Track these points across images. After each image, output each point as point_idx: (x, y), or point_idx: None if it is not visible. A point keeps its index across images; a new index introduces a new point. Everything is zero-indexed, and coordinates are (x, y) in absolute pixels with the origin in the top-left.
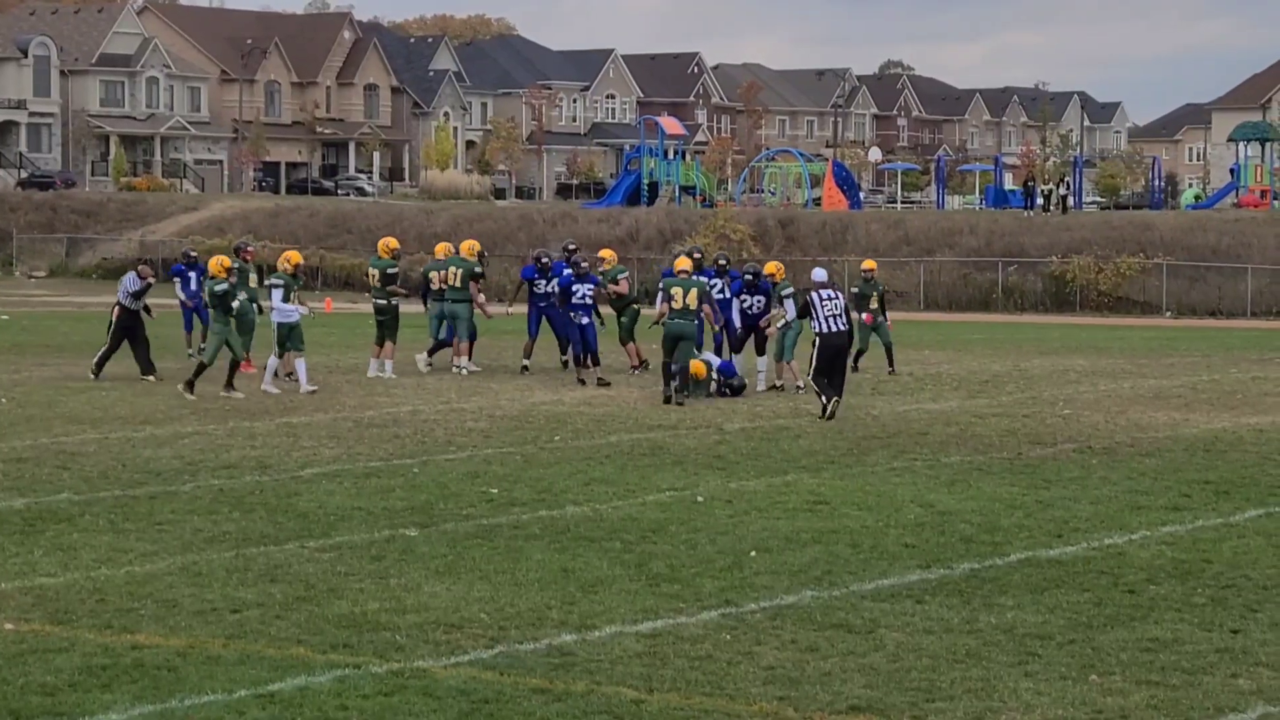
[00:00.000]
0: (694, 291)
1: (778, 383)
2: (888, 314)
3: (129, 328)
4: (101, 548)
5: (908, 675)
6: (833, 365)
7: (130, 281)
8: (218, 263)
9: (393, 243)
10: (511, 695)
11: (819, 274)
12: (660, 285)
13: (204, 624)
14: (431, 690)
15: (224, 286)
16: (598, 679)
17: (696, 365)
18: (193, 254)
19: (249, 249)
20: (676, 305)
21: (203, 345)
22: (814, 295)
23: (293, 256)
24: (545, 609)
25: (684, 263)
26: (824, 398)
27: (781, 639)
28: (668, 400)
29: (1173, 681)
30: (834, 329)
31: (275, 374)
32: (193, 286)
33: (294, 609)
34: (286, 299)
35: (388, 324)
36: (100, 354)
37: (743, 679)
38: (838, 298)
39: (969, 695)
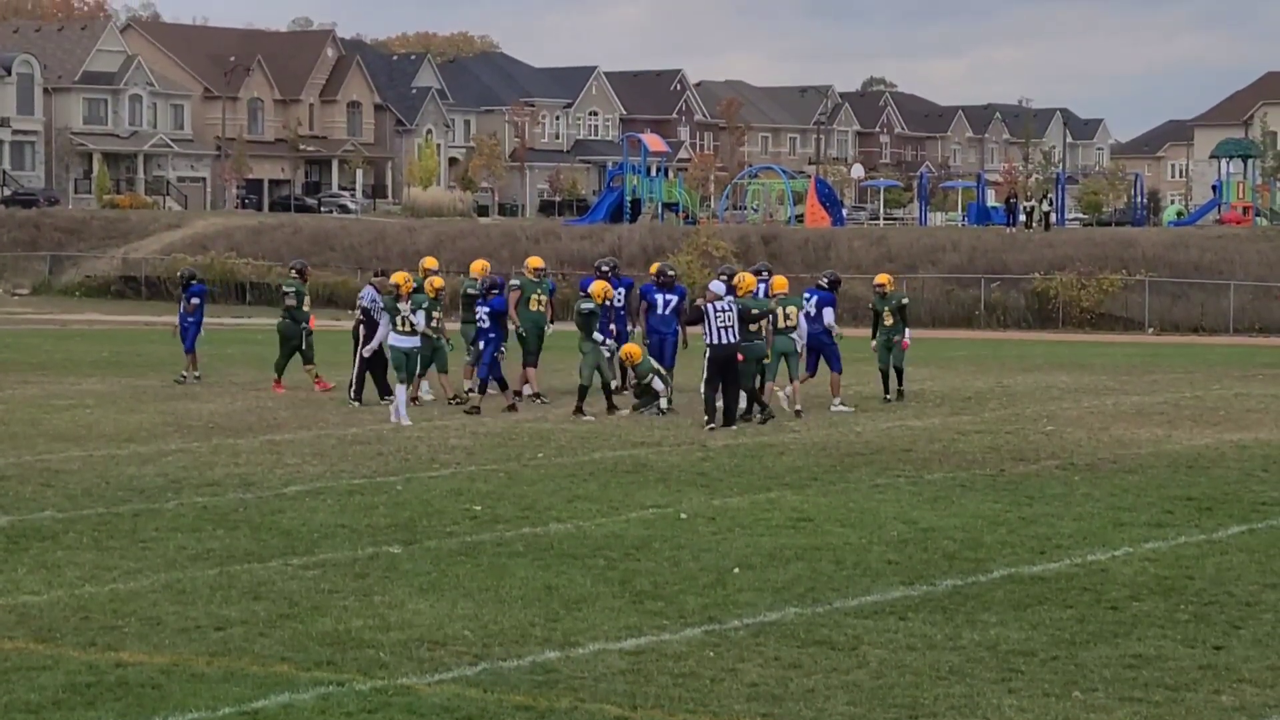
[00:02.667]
0: (753, 314)
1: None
2: (907, 332)
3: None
4: (85, 565)
5: (891, 692)
6: (724, 376)
7: (367, 297)
8: (403, 280)
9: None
10: (495, 712)
11: (717, 285)
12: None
13: (188, 641)
14: (415, 708)
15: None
16: (581, 696)
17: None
18: (187, 274)
19: (307, 268)
20: (753, 328)
21: (197, 373)
22: (708, 306)
23: (436, 281)
24: (529, 626)
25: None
26: (708, 411)
27: (765, 656)
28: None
29: (1155, 698)
30: (725, 340)
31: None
32: (182, 309)
33: (278, 626)
34: (429, 321)
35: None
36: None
37: (726, 696)
38: (731, 310)
39: (952, 712)
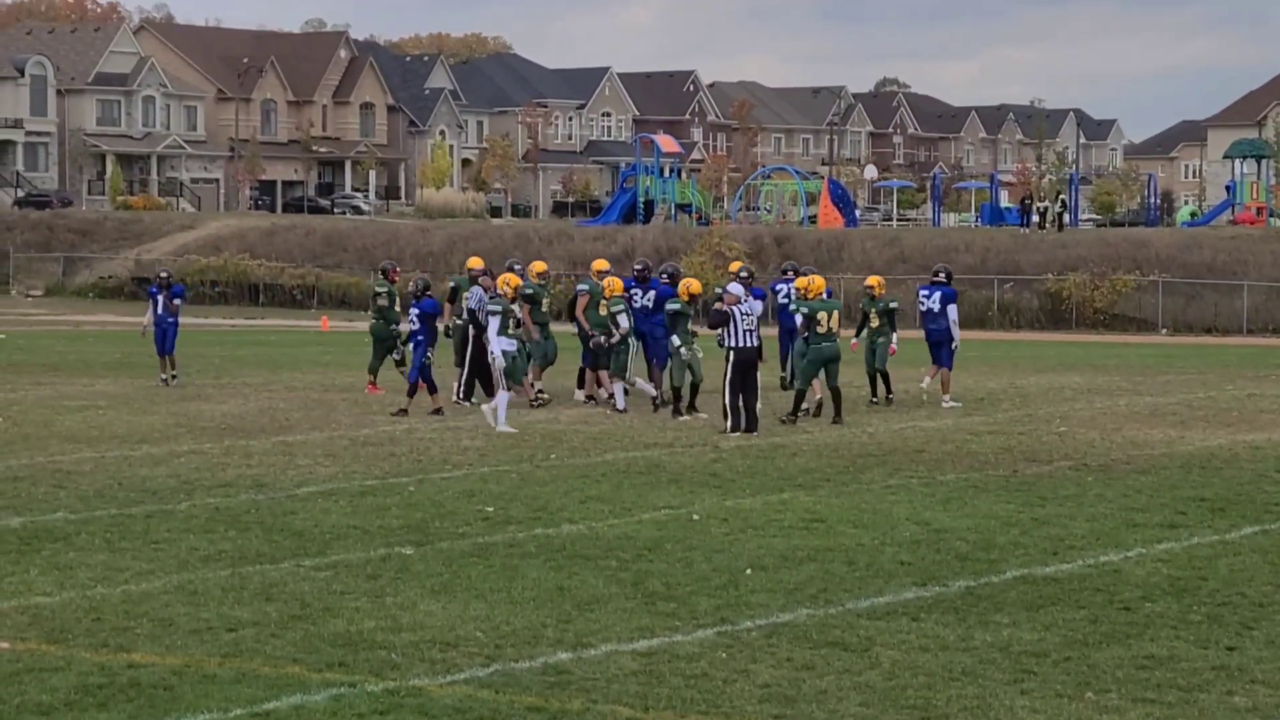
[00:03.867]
0: (835, 314)
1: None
2: (894, 336)
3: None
4: (97, 566)
5: (904, 693)
6: (745, 381)
7: (474, 298)
8: (504, 282)
9: (539, 265)
10: (507, 714)
11: (735, 288)
12: (804, 310)
13: (200, 643)
14: (427, 709)
15: (501, 305)
16: (593, 697)
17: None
18: (164, 275)
19: (395, 269)
20: (821, 329)
21: (175, 374)
22: (734, 309)
23: (512, 279)
24: (541, 627)
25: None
26: (730, 419)
27: (777, 657)
28: (790, 420)
29: (1168, 699)
30: (749, 343)
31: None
32: (159, 309)
33: (290, 628)
34: (504, 329)
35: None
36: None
37: (738, 697)
38: (753, 312)
39: (965, 713)
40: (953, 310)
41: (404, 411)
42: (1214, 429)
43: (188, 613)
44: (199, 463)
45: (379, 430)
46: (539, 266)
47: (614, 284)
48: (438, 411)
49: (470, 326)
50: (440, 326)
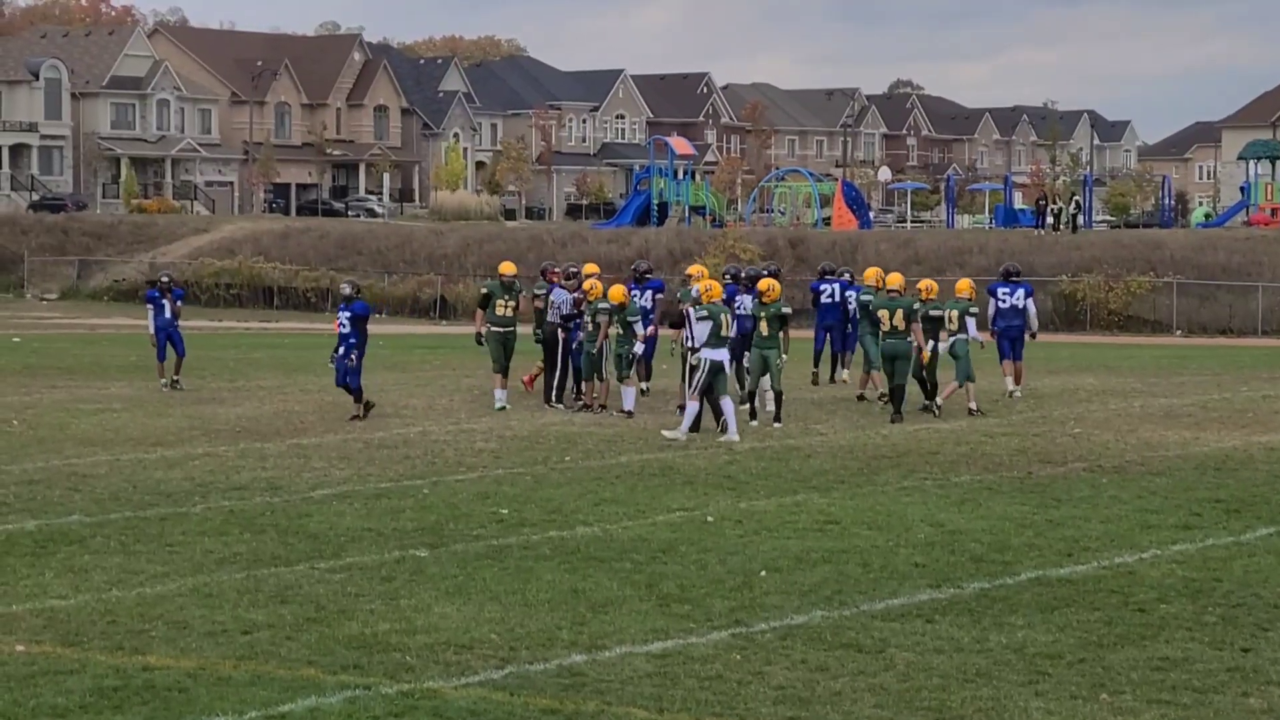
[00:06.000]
0: (899, 312)
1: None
2: (915, 336)
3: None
4: (112, 569)
5: (918, 695)
6: (716, 381)
7: (562, 301)
8: (592, 285)
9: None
10: (522, 716)
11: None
12: (870, 305)
13: (215, 645)
14: (442, 711)
15: (606, 305)
16: (608, 699)
17: None
18: (166, 280)
19: (554, 269)
20: (885, 326)
21: (176, 378)
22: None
23: (615, 291)
24: (555, 629)
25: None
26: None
27: (792, 659)
28: (895, 420)
29: (1183, 700)
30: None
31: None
32: (167, 314)
33: (304, 630)
34: (714, 338)
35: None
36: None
37: (753, 699)
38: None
39: (979, 715)
40: (1031, 303)
41: (358, 417)
42: (1229, 430)
43: (203, 615)
44: (213, 465)
45: (393, 433)
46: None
47: (595, 285)
48: (356, 418)
49: (559, 330)
50: (477, 332)
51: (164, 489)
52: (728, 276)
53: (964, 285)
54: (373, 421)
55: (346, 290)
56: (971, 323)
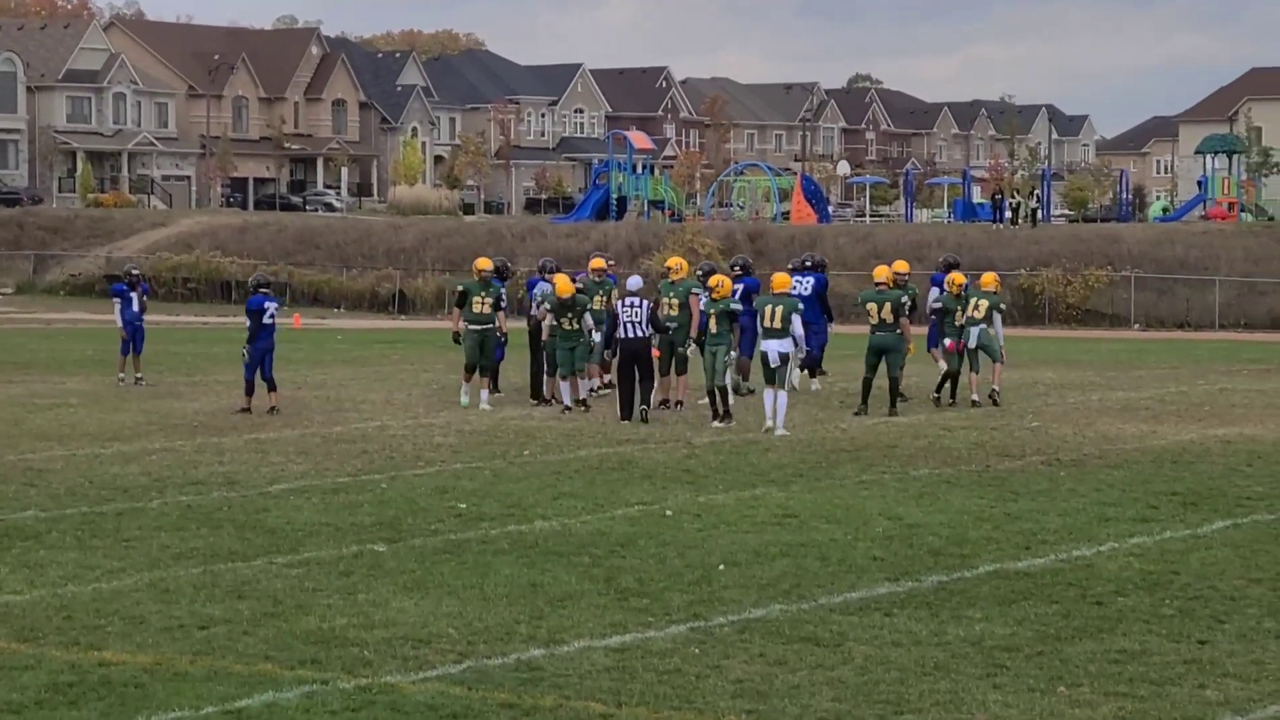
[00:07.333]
0: (888, 305)
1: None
2: (904, 329)
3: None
4: (68, 565)
5: (876, 688)
6: (633, 369)
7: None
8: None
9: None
10: (480, 710)
11: (633, 282)
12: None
13: (171, 641)
14: (399, 706)
15: (552, 299)
16: (566, 693)
17: None
18: (135, 272)
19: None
20: (874, 320)
21: (139, 375)
22: (619, 302)
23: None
24: (513, 624)
25: (598, 263)
26: (620, 403)
27: (750, 652)
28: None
29: (1140, 693)
30: (633, 334)
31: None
32: (134, 307)
33: (262, 625)
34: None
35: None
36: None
37: (711, 692)
38: (641, 305)
39: (937, 708)
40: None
41: (270, 410)
42: (1186, 424)
43: (159, 610)
44: (171, 460)
45: (351, 428)
46: (597, 263)
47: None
48: (246, 410)
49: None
50: (454, 331)
51: (121, 484)
52: (699, 273)
53: (990, 279)
54: (331, 416)
55: (253, 280)
56: (998, 318)
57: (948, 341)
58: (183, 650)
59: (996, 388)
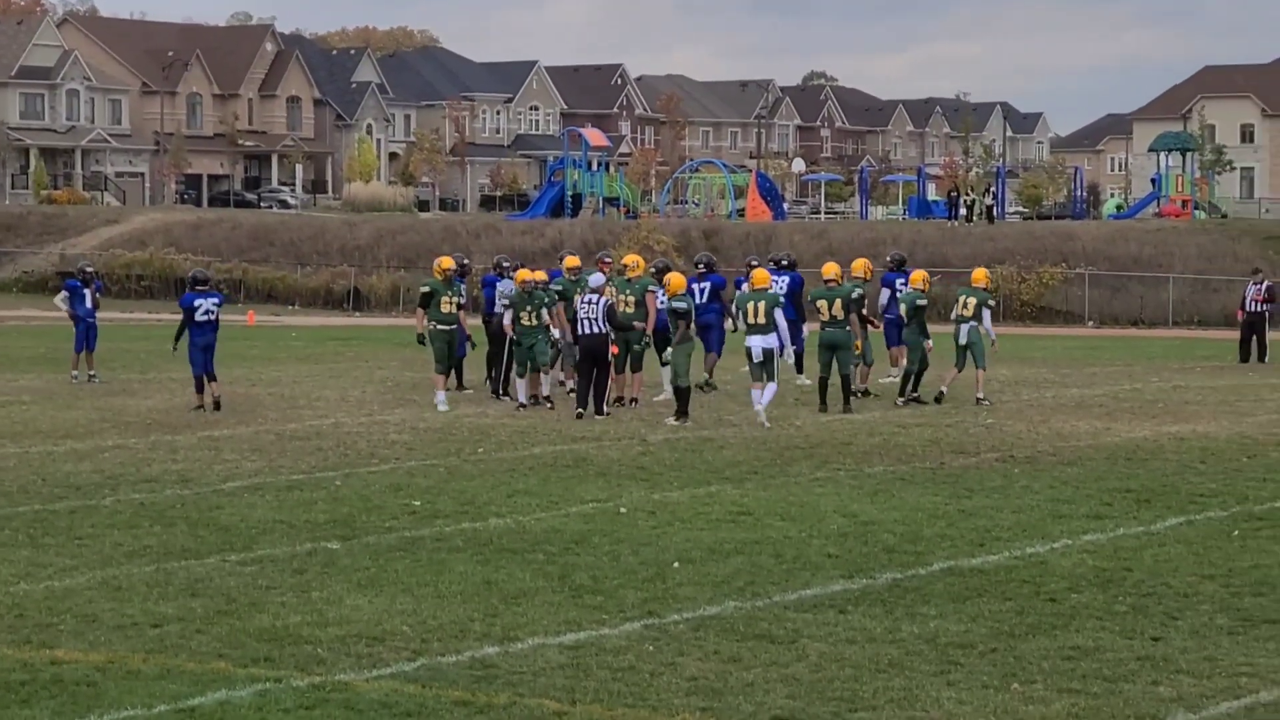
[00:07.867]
0: (838, 301)
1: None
2: (853, 325)
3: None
4: (20, 562)
5: (830, 685)
6: (591, 365)
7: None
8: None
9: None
10: (434, 708)
11: (595, 279)
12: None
13: (124, 639)
14: (353, 703)
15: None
16: (520, 691)
17: None
18: (89, 270)
19: (607, 260)
20: (824, 316)
21: (92, 373)
22: (578, 298)
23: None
24: (468, 621)
25: (573, 261)
26: (578, 397)
27: (704, 650)
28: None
29: (1094, 689)
30: (591, 331)
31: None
32: (88, 304)
33: (215, 623)
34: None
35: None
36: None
37: (665, 690)
38: (599, 303)
39: (891, 705)
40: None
41: (216, 405)
42: (1139, 421)
43: (112, 609)
44: (124, 458)
45: (306, 425)
46: (572, 261)
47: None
48: (200, 407)
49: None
50: (419, 332)
51: (73, 481)
52: (652, 270)
53: (980, 275)
54: (285, 413)
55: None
56: (987, 314)
57: (928, 342)
58: (135, 648)
59: (944, 389)
